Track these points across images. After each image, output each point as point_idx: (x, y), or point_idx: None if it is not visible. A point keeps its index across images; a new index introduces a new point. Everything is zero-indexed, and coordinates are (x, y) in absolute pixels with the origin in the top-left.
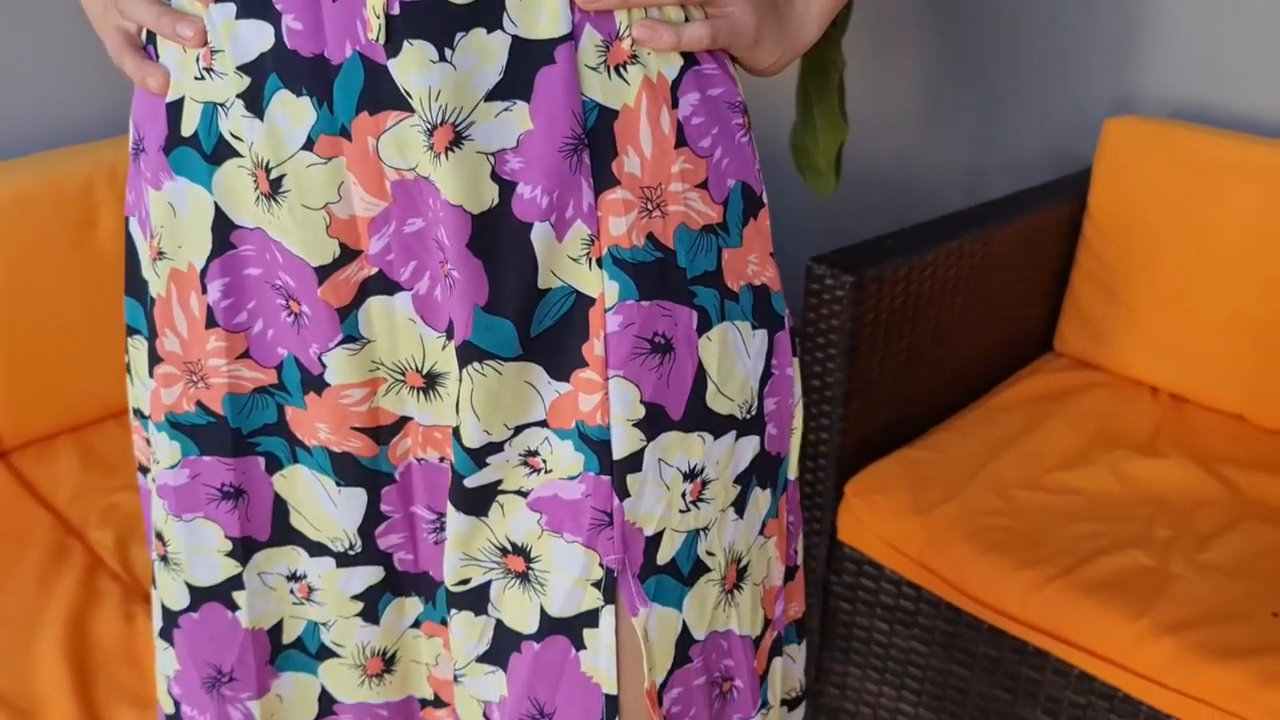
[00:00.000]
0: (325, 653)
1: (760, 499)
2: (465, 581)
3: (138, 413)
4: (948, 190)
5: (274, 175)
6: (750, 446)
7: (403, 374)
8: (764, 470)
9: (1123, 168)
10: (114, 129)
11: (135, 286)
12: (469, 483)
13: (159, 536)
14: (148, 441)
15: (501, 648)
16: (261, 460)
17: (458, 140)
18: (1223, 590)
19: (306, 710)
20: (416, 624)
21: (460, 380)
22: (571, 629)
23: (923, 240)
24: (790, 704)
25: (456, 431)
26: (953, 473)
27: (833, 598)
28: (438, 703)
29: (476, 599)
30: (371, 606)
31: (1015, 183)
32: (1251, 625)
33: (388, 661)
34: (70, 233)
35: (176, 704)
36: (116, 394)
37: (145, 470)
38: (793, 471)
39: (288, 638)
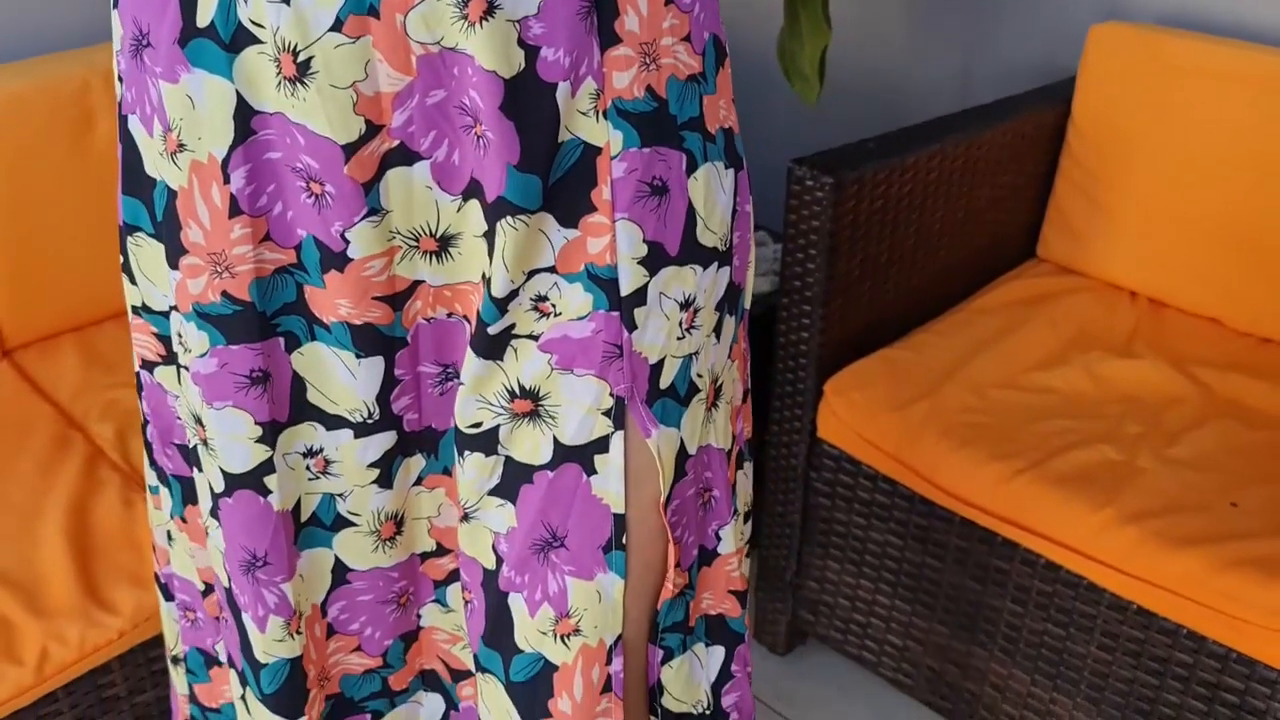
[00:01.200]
0: (341, 523)
1: (729, 324)
2: (477, 425)
3: (141, 309)
4: (936, 98)
5: (301, 58)
6: (725, 276)
7: (416, 240)
8: (731, 298)
9: (1107, 74)
10: (108, 34)
11: (135, 184)
12: (492, 329)
13: (198, 421)
14: (157, 335)
15: (510, 482)
16: (282, 340)
17: (490, 10)
18: (1186, 483)
19: (321, 585)
20: (418, 481)
21: (495, 234)
22: (583, 456)
23: (904, 144)
24: (745, 517)
25: (487, 282)
26: (930, 372)
27: (813, 494)
28: (439, 552)
29: (487, 441)
30: (386, 472)
31: (1004, 90)
32: (1211, 515)
33: (400, 523)
34: (67, 135)
35: (230, 577)
36: (117, 294)
37: (149, 366)
38: (747, 302)
39: (304, 515)
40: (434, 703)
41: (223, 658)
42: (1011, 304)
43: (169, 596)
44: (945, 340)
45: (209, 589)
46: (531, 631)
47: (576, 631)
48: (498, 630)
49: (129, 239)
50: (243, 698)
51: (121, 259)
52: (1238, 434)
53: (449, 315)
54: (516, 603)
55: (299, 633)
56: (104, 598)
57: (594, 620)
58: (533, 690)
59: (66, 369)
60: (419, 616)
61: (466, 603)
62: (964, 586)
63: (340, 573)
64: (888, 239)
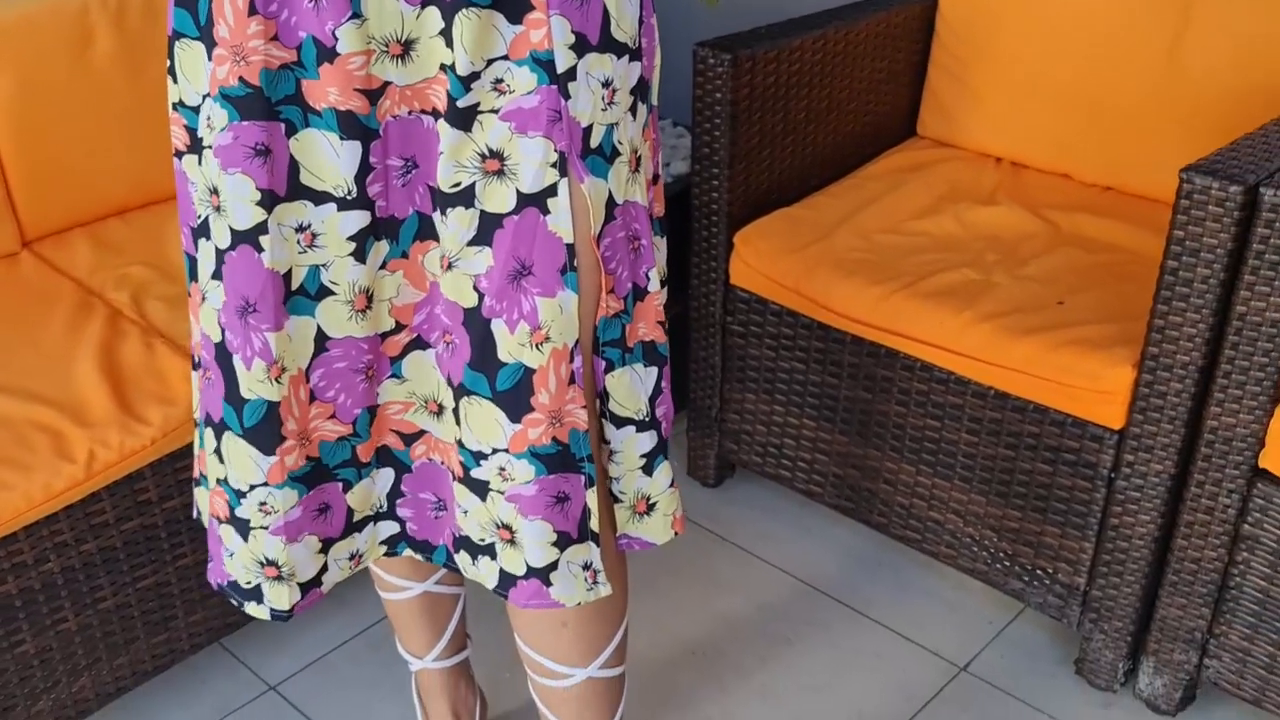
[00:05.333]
0: (323, 292)
1: (642, 110)
2: (458, 184)
3: (179, 105)
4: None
5: None
6: (636, 69)
7: (386, 45)
8: (643, 89)
9: None
10: None
11: None
12: (460, 104)
13: (214, 191)
14: (186, 127)
15: (485, 230)
16: (283, 126)
17: None
18: (1032, 292)
19: (306, 351)
20: (383, 265)
21: (453, 25)
22: (539, 200)
23: (791, 30)
24: (662, 281)
25: (450, 68)
26: (824, 223)
27: (730, 335)
28: (395, 329)
29: (466, 196)
30: (360, 247)
31: None
32: (1049, 313)
33: (369, 299)
34: (69, 51)
35: (223, 331)
36: (119, 194)
37: (179, 155)
38: (654, 99)
39: (294, 284)
40: (385, 476)
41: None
42: (894, 171)
43: (196, 366)
44: (837, 200)
45: (197, 364)
46: (513, 345)
47: (547, 339)
48: (484, 354)
49: (176, 44)
50: (216, 451)
51: (168, 63)
52: (1078, 258)
53: (410, 113)
54: (499, 326)
55: (279, 381)
56: (137, 412)
57: (559, 329)
58: (516, 394)
59: (80, 254)
60: (378, 394)
61: (448, 345)
62: (858, 398)
63: (320, 341)
64: (781, 112)
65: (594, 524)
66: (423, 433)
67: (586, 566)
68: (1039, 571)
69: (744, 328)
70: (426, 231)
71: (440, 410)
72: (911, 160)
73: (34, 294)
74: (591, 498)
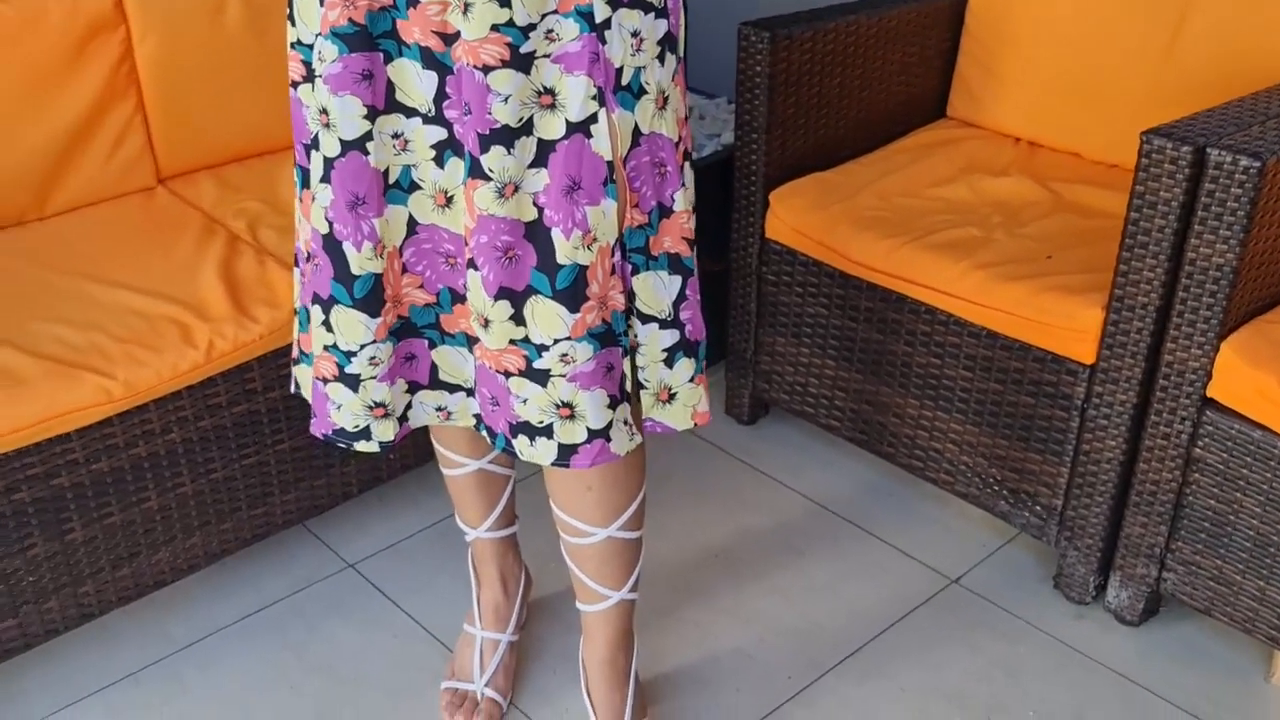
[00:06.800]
0: (414, 187)
1: (670, 59)
2: (521, 119)
3: (296, 44)
4: None
5: None
6: (663, 25)
7: (458, 1)
8: (670, 42)
9: None
10: None
11: None
12: (522, 50)
13: (323, 111)
14: (303, 62)
15: (541, 155)
16: (381, 55)
17: None
18: (1025, 247)
19: (399, 232)
20: (464, 182)
21: None
22: (584, 127)
23: (826, 15)
24: (690, 209)
25: (509, 22)
26: (850, 186)
27: (764, 284)
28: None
29: (527, 128)
30: (439, 156)
31: None
32: (1037, 264)
33: (449, 199)
34: (205, 17)
35: (330, 224)
36: (240, 142)
37: (295, 85)
38: (681, 50)
39: (391, 179)
40: (471, 361)
41: (308, 305)
42: (921, 146)
43: (296, 263)
44: (864, 169)
45: (309, 256)
46: (568, 250)
47: (595, 240)
48: (545, 258)
49: None
50: (324, 323)
51: (288, 10)
52: (1075, 222)
53: (469, 64)
54: (556, 234)
55: (381, 257)
56: (249, 313)
57: (604, 230)
58: (573, 289)
59: (206, 191)
60: (464, 286)
61: (511, 259)
62: (872, 339)
63: (411, 225)
64: (816, 87)
65: (628, 386)
66: (478, 340)
67: (626, 422)
68: (1022, 494)
69: (776, 277)
70: (476, 171)
71: (487, 324)
72: (938, 138)
73: (168, 221)
74: (627, 365)
